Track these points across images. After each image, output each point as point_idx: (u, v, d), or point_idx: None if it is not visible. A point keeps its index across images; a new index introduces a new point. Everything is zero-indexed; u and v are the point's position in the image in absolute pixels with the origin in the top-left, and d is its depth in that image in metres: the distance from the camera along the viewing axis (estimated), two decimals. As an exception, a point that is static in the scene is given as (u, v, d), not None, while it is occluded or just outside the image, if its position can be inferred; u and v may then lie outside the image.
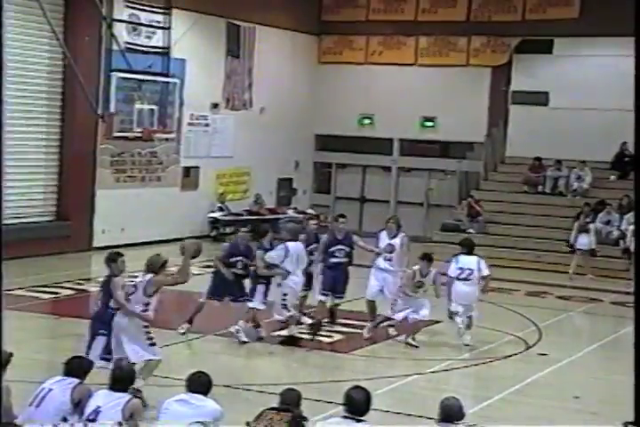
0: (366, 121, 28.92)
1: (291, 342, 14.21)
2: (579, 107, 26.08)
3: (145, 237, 22.83)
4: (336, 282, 14.98)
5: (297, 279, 14.12)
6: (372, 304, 15.12)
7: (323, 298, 15.09)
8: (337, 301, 15.28)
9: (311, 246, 15.10)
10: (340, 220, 15.43)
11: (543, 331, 15.80)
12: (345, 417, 7.08)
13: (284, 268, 13.92)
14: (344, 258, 15.02)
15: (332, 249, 14.97)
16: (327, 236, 15.24)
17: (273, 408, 7.40)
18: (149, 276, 10.90)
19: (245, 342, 13.96)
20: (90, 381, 8.16)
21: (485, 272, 14.48)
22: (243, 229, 15.15)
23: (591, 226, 22.28)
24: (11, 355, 8.00)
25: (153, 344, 10.91)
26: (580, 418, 11.19)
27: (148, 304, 10.76)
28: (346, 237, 15.17)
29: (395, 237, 14.86)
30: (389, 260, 14.83)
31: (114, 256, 11.46)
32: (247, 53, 26.55)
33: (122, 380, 7.88)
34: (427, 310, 14.25)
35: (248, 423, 7.36)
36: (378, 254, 14.84)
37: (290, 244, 14.06)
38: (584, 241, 22.00)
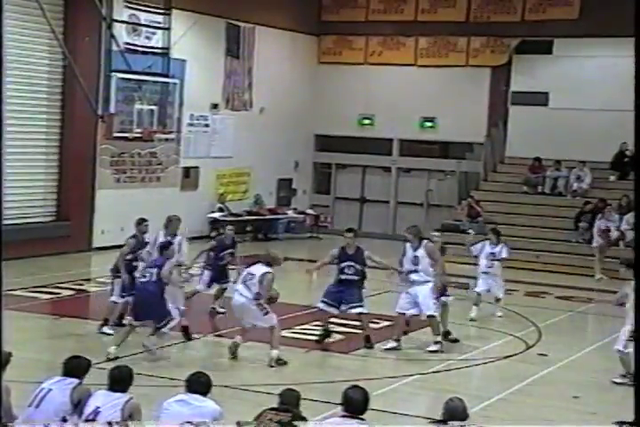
0: (366, 121, 28.93)
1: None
2: (578, 107, 26.08)
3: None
4: (342, 295, 14.23)
5: None
6: (401, 318, 14.30)
7: (321, 305, 14.49)
8: (353, 311, 14.31)
9: (225, 252, 15.70)
10: (347, 235, 14.40)
11: (543, 331, 15.81)
12: (344, 416, 7.09)
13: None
14: (354, 276, 14.15)
15: (342, 265, 14.21)
16: (338, 249, 14.41)
17: (272, 409, 7.40)
18: (266, 269, 12.89)
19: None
20: (88, 381, 8.16)
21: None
22: (228, 227, 16.45)
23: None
24: (10, 355, 8.00)
25: (267, 313, 13.03)
26: (579, 418, 11.19)
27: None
28: (357, 252, 14.21)
29: (418, 248, 14.10)
30: (415, 271, 14.07)
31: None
32: (247, 54, 26.57)
33: (120, 380, 7.88)
34: None
35: (239, 423, 7.32)
36: (400, 273, 14.23)
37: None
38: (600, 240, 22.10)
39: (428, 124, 28.20)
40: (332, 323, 15.42)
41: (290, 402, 7.51)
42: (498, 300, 16.96)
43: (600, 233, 22.47)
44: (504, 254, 16.85)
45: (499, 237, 17.10)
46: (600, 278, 21.62)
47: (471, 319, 16.32)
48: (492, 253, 16.84)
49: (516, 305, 17.95)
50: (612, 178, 25.35)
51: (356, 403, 7.11)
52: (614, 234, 22.62)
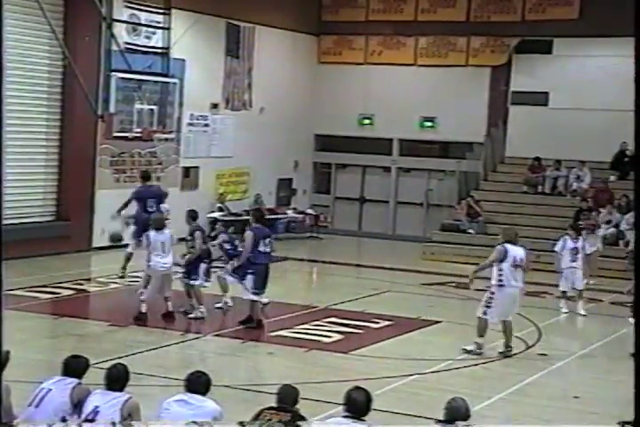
0: (366, 121, 28.92)
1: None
2: (578, 107, 26.09)
3: (145, 238, 22.80)
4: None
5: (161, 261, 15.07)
6: (486, 324, 14.02)
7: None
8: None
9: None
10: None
11: (543, 331, 15.81)
12: (346, 417, 7.08)
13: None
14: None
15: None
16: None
17: (271, 408, 7.38)
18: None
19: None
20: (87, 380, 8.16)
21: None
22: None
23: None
24: (8, 353, 7.95)
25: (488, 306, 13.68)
26: (579, 418, 11.19)
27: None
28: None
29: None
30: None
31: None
32: (247, 53, 26.56)
33: (118, 379, 7.87)
34: None
35: (242, 423, 7.31)
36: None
37: (151, 233, 15.17)
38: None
39: (428, 123, 28.20)
40: (332, 323, 15.48)
41: (288, 399, 7.49)
42: (580, 292, 17.60)
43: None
44: (588, 250, 17.61)
45: (577, 231, 17.61)
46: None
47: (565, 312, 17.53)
48: (575, 248, 17.47)
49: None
50: (612, 178, 25.36)
51: (359, 404, 7.10)
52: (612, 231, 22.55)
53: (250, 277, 14.82)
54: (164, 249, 15.01)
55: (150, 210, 17.34)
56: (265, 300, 15.33)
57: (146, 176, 18.61)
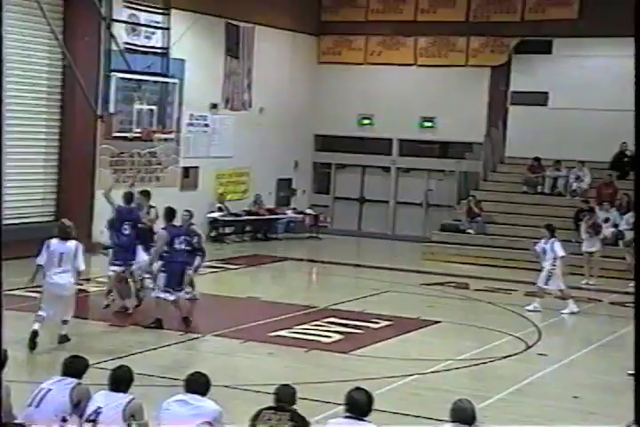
0: (365, 121, 28.92)
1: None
2: (578, 107, 26.09)
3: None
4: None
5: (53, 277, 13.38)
6: None
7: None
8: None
9: None
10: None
11: (543, 331, 15.81)
12: (347, 417, 7.07)
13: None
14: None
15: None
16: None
17: (270, 408, 7.38)
18: None
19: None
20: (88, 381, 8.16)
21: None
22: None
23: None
24: (5, 351, 7.94)
25: None
26: (579, 418, 11.19)
27: None
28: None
29: None
30: None
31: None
32: (246, 53, 26.56)
33: (122, 380, 7.87)
34: None
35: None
36: None
37: (53, 241, 13.45)
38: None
39: (428, 123, 28.19)
40: (332, 323, 15.49)
41: (285, 398, 7.48)
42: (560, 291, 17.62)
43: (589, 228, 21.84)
44: (558, 252, 17.43)
45: (549, 232, 17.71)
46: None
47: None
48: (543, 248, 17.63)
49: (516, 305, 17.95)
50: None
51: (360, 405, 7.07)
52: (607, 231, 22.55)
53: (162, 275, 14.73)
54: (60, 263, 13.20)
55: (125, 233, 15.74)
56: (172, 297, 14.68)
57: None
